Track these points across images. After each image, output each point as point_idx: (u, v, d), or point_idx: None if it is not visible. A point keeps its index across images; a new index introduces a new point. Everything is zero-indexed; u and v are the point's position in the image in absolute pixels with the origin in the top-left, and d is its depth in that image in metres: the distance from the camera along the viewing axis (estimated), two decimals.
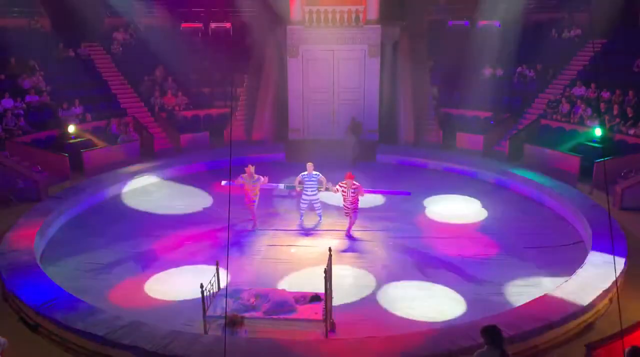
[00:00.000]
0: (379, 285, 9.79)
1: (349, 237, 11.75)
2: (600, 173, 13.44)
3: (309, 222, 12.51)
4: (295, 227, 12.32)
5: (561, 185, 13.57)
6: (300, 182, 12.20)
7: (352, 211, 11.61)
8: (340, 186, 11.58)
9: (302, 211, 12.42)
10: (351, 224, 11.79)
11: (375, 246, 11.38)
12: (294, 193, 13.45)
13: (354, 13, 19.12)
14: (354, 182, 11.55)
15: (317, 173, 12.15)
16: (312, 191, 12.12)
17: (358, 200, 11.61)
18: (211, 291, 8.12)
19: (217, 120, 19.55)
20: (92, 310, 8.14)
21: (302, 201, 12.31)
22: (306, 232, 12.13)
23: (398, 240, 11.62)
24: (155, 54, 20.76)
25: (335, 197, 12.44)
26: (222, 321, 7.06)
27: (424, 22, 22.07)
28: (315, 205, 12.32)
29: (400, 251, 11.11)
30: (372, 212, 13.14)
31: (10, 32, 19.28)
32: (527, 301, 8.54)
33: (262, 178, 11.95)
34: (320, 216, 12.53)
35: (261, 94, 19.88)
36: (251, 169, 11.90)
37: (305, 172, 12.14)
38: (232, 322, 7.10)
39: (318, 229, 12.27)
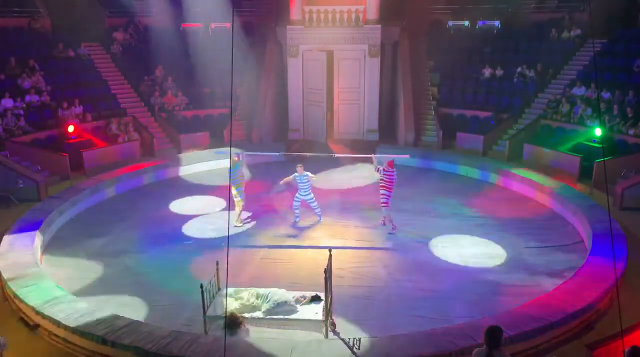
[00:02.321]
0: (380, 284, 9.78)
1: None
2: (600, 173, 13.44)
3: (306, 222, 12.53)
4: (295, 229, 12.31)
5: (561, 185, 13.56)
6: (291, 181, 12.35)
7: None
8: (385, 173, 11.75)
9: (297, 211, 12.46)
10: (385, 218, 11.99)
11: (375, 245, 11.37)
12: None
13: (354, 13, 19.13)
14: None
15: (307, 173, 12.20)
16: (305, 192, 12.20)
17: (386, 192, 11.77)
18: (211, 291, 8.15)
19: (217, 120, 19.54)
20: (92, 310, 8.13)
21: (295, 200, 12.39)
22: (306, 231, 12.12)
23: (398, 240, 11.62)
24: (155, 54, 20.77)
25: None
26: (222, 321, 7.06)
27: (424, 22, 22.08)
28: (312, 204, 12.39)
29: (400, 251, 11.11)
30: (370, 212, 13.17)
31: (10, 32, 19.31)
32: (527, 301, 8.54)
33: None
34: (320, 216, 12.57)
35: (261, 94, 19.89)
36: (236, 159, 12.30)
37: (297, 173, 12.16)
38: (232, 322, 7.10)
39: (318, 228, 12.26)
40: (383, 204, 11.86)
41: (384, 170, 11.73)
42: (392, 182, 11.72)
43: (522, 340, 7.50)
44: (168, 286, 9.76)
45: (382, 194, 11.80)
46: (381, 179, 11.81)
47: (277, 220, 12.83)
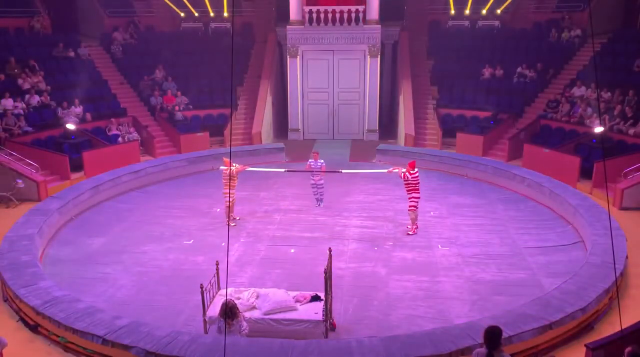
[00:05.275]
0: (380, 284, 9.79)
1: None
2: (600, 173, 13.44)
3: (305, 221, 12.59)
4: (295, 229, 12.31)
5: (561, 185, 13.56)
6: (309, 168, 13.08)
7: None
8: (411, 175, 11.65)
9: (315, 196, 13.36)
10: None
11: (375, 246, 11.38)
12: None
13: (354, 13, 19.16)
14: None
15: (322, 161, 12.96)
16: (317, 175, 13.02)
17: (416, 195, 11.74)
18: (211, 291, 8.15)
19: (217, 120, 19.56)
20: (92, 310, 8.13)
21: (312, 185, 13.33)
22: (306, 232, 12.12)
23: (398, 240, 11.63)
24: (155, 54, 20.80)
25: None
26: (222, 322, 7.05)
27: (424, 22, 22.11)
28: (319, 189, 13.27)
29: (400, 251, 11.11)
30: (376, 212, 13.18)
31: (10, 32, 19.33)
32: (527, 301, 8.54)
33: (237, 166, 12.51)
34: (320, 201, 13.38)
35: (261, 94, 19.91)
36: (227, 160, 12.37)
37: (312, 160, 12.93)
38: (230, 310, 6.99)
39: (318, 228, 12.26)
40: (411, 208, 11.75)
41: (409, 173, 11.58)
42: (419, 183, 11.72)
43: (522, 340, 7.49)
44: (168, 286, 9.76)
45: (413, 197, 11.68)
46: (408, 183, 11.66)
47: (277, 220, 12.83)
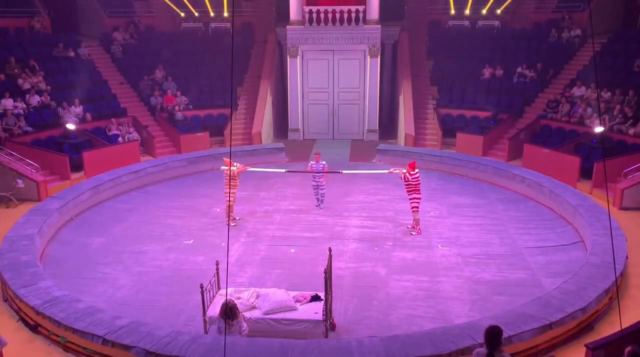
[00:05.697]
0: (380, 284, 9.79)
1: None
2: (600, 173, 13.44)
3: (305, 221, 12.58)
4: (295, 229, 12.31)
5: (561, 185, 13.56)
6: (311, 169, 13.20)
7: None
8: (411, 175, 11.66)
9: (315, 197, 13.41)
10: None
11: (375, 246, 11.37)
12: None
13: (354, 13, 19.16)
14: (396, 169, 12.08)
15: (324, 162, 13.05)
16: (319, 176, 13.09)
17: (417, 195, 11.78)
18: (211, 291, 8.15)
19: (217, 120, 19.56)
20: (92, 310, 8.13)
21: (313, 187, 13.37)
22: (306, 231, 12.12)
23: (398, 240, 11.63)
24: (155, 54, 20.81)
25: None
26: (222, 323, 7.05)
27: (424, 22, 22.12)
28: (321, 191, 13.32)
29: (400, 251, 11.11)
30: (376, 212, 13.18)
31: (10, 32, 19.33)
32: (527, 301, 8.53)
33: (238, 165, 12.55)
34: (320, 202, 13.41)
35: (261, 94, 19.92)
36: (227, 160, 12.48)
37: (314, 161, 12.99)
38: (230, 310, 6.98)
39: (318, 228, 12.26)
40: (414, 209, 11.78)
41: (409, 174, 11.58)
42: (419, 183, 11.72)
43: (522, 340, 7.49)
44: (168, 286, 9.76)
45: (414, 198, 11.71)
46: (408, 184, 11.68)
47: (277, 220, 12.83)
